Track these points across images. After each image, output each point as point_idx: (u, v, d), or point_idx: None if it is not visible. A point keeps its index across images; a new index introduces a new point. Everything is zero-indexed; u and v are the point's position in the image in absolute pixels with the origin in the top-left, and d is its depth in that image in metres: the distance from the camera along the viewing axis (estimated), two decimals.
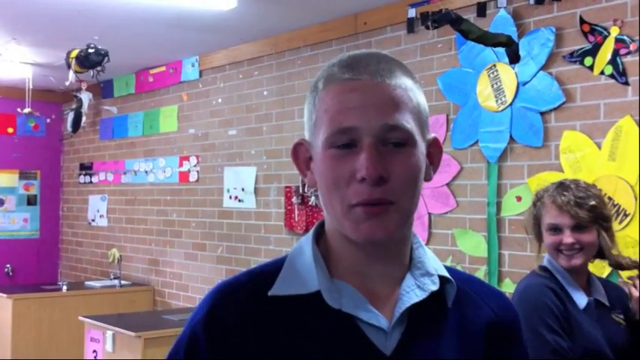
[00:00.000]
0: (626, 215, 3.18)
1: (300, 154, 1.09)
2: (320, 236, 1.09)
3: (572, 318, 2.16)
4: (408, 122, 0.99)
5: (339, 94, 1.00)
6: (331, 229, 1.06)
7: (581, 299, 2.23)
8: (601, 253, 2.31)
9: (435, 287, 1.03)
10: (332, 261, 1.05)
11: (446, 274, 1.06)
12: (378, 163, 0.96)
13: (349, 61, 1.03)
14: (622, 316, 2.26)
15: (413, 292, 1.03)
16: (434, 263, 1.07)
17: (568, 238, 2.21)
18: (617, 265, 2.32)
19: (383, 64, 1.02)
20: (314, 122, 1.04)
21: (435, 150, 1.08)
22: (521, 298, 2.18)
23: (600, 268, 2.96)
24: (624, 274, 2.92)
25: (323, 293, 1.00)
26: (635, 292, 2.31)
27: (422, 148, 1.02)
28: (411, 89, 1.02)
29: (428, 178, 1.06)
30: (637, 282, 2.32)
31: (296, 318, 1.00)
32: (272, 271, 1.05)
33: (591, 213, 2.21)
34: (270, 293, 1.01)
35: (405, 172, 0.99)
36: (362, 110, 0.98)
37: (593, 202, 2.22)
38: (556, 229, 2.25)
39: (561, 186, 2.28)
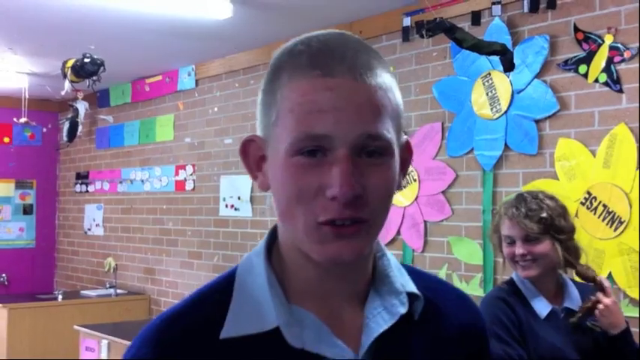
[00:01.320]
0: (620, 222, 3.19)
1: (251, 152, 0.93)
2: (272, 249, 0.94)
3: (527, 327, 2.20)
4: (389, 131, 0.86)
5: (308, 93, 0.84)
6: (287, 242, 0.92)
7: (542, 308, 2.26)
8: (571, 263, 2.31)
9: (404, 310, 0.92)
10: (288, 281, 0.92)
11: (414, 289, 0.94)
12: (354, 180, 0.82)
13: (321, 49, 0.86)
14: (597, 323, 2.26)
15: (380, 317, 0.91)
16: (400, 276, 0.95)
17: (519, 249, 2.27)
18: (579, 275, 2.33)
19: (361, 55, 0.86)
20: (274, 120, 0.87)
21: (406, 154, 0.94)
22: None
23: None
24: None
25: (283, 330, 0.86)
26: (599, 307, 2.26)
27: (397, 156, 0.89)
28: (390, 88, 0.88)
29: (399, 188, 0.92)
30: (598, 296, 2.25)
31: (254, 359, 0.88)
32: (220, 297, 0.91)
33: (541, 225, 2.24)
34: (222, 336, 0.87)
35: (382, 188, 0.86)
36: (337, 115, 0.83)
37: (544, 215, 2.25)
38: (510, 241, 2.30)
39: (518, 199, 2.33)
